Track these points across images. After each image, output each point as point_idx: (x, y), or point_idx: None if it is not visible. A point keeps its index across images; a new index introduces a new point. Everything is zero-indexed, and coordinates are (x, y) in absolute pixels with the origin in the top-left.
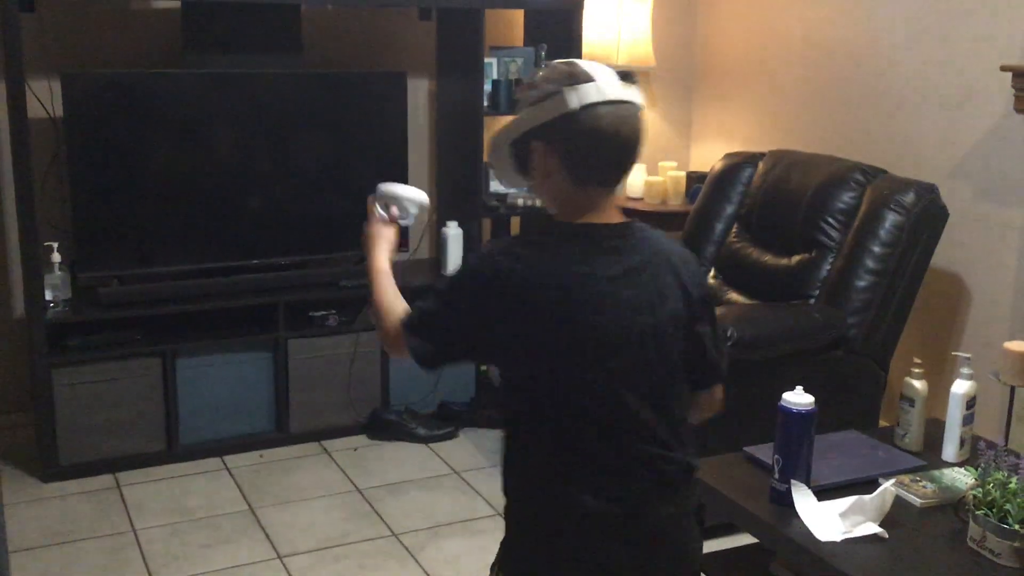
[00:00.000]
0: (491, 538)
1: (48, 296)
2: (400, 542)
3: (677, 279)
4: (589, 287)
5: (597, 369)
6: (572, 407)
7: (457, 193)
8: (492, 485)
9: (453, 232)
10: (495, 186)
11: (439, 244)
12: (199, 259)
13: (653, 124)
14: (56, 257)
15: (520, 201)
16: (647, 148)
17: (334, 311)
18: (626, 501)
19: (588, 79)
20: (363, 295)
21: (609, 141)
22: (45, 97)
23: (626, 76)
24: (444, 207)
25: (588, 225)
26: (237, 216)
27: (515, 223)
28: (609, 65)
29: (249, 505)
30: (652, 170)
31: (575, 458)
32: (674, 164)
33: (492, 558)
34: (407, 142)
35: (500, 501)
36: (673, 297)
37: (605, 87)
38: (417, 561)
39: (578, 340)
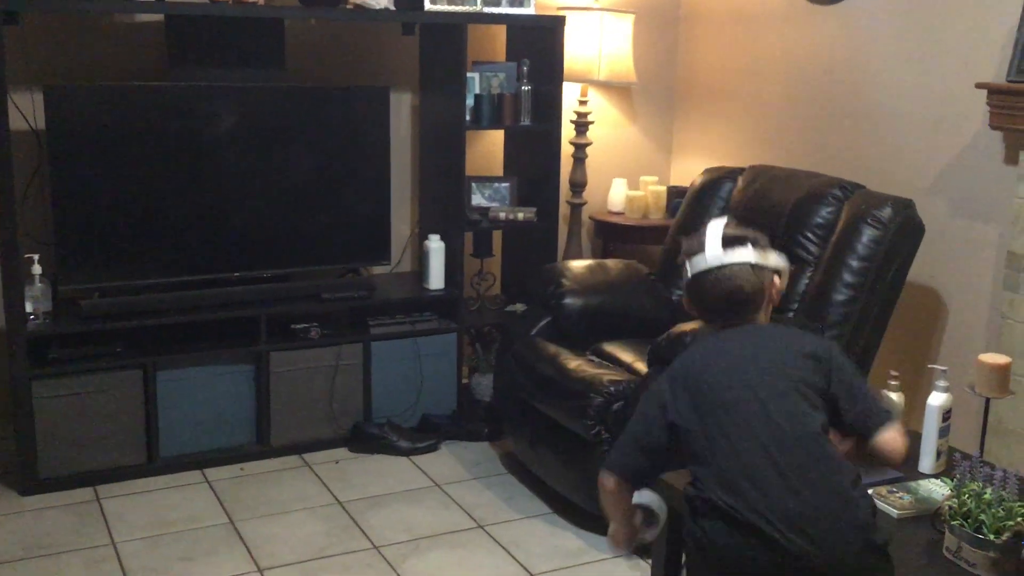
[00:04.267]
0: (472, 550)
1: (29, 308)
2: (382, 555)
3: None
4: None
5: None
6: None
7: (439, 207)
8: (473, 497)
9: (435, 245)
10: (477, 200)
11: (421, 257)
12: (181, 272)
13: (634, 139)
14: (37, 269)
15: (502, 215)
16: (629, 163)
17: (316, 324)
18: None
19: (700, 251)
20: (344, 307)
21: (713, 298)
22: (27, 110)
23: (733, 240)
24: (426, 220)
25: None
26: (219, 229)
27: (497, 237)
28: (723, 226)
29: (230, 518)
30: (633, 184)
31: None
32: (655, 179)
33: (473, 570)
34: (390, 156)
35: (481, 513)
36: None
37: (710, 256)
38: (398, 574)
39: None
